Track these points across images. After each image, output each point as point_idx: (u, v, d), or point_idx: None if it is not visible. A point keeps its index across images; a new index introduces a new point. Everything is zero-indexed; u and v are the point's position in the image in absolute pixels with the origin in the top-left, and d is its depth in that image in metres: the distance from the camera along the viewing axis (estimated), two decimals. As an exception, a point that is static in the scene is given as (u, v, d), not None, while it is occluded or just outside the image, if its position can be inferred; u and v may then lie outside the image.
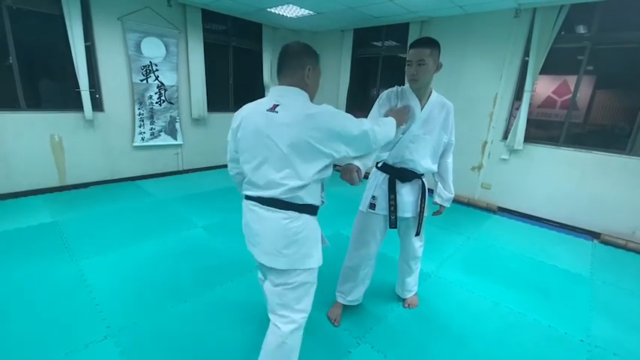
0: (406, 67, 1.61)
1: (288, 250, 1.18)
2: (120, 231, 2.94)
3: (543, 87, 3.85)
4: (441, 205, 1.92)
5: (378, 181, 1.80)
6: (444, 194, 1.89)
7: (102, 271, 2.31)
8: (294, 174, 1.13)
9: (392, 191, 1.75)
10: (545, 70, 3.61)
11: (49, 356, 1.58)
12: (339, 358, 1.69)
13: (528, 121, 3.76)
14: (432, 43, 1.55)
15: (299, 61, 1.20)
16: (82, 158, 3.95)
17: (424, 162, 1.73)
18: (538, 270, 2.74)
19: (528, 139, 3.83)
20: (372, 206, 1.82)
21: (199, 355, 1.64)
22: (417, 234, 1.88)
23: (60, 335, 1.71)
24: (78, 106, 3.77)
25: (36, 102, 3.64)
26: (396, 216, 1.77)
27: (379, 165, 1.80)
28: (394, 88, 1.73)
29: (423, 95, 1.67)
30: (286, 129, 1.10)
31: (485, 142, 4.16)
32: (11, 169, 3.50)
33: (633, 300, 2.39)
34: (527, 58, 3.71)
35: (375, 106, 1.75)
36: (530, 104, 3.72)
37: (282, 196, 1.14)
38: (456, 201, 4.38)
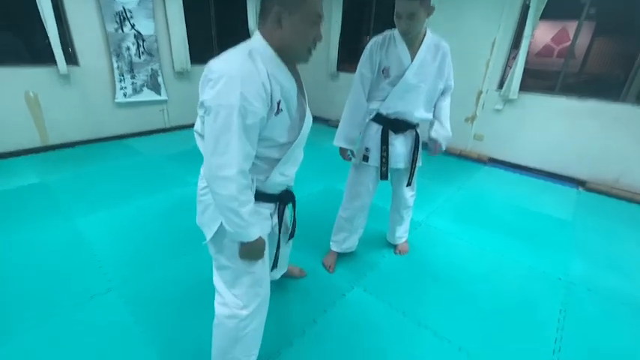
0: (395, 19, 1.49)
1: (198, 207, 1.14)
2: (112, 190, 2.91)
3: (541, 35, 3.70)
4: (436, 142, 1.80)
5: (371, 133, 1.77)
6: (441, 130, 1.80)
7: (98, 228, 2.33)
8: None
9: (384, 142, 1.72)
10: (546, 15, 3.43)
11: (56, 309, 1.64)
12: (334, 301, 1.79)
13: (525, 70, 3.65)
14: None
15: (266, 1, 0.92)
16: (62, 116, 3.77)
17: (418, 112, 1.69)
18: (523, 217, 2.85)
19: (523, 89, 3.75)
20: (365, 158, 1.81)
21: (202, 299, 1.71)
22: (409, 184, 1.90)
23: (64, 290, 1.76)
24: (51, 60, 3.50)
25: (4, 57, 3.36)
26: (387, 168, 1.77)
27: (372, 116, 1.75)
28: (380, 37, 1.61)
29: (414, 41, 1.57)
30: None
31: (480, 92, 4.07)
32: (-12, 130, 3.34)
33: (611, 242, 2.54)
34: (527, 2, 3.49)
35: (359, 63, 1.66)
36: (527, 52, 3.58)
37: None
38: (448, 153, 4.41)
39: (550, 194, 3.36)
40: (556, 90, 3.63)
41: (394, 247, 2.27)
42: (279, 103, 0.96)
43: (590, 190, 3.47)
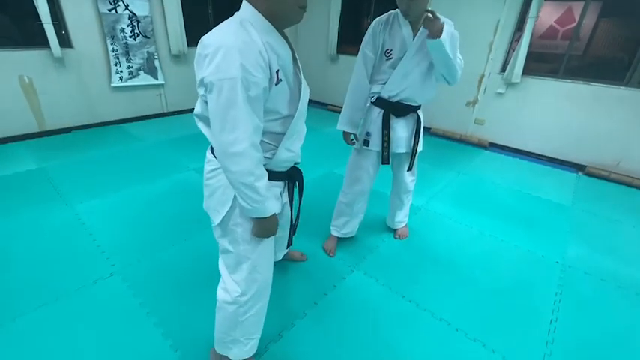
0: (396, 0, 1.44)
1: (204, 191, 1.13)
2: (111, 175, 2.90)
3: (545, 16, 3.60)
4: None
5: (372, 117, 1.75)
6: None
7: (99, 214, 2.33)
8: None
9: (386, 127, 1.71)
10: None
11: (60, 293, 1.66)
12: (335, 284, 1.82)
13: (528, 53, 3.58)
14: None
15: None
16: (58, 101, 3.72)
17: (420, 93, 1.66)
18: (523, 201, 2.87)
19: (526, 72, 3.69)
20: (366, 143, 1.79)
21: (205, 282, 1.74)
22: (410, 169, 1.90)
23: (68, 274, 1.78)
24: (44, 43, 3.42)
25: (-5, 38, 3.28)
26: (389, 152, 1.76)
27: (373, 99, 1.73)
28: (383, 17, 1.58)
29: (417, 23, 1.53)
30: None
31: (482, 76, 4.01)
32: (-16, 115, 3.30)
33: (609, 226, 2.56)
34: (534, -21, 3.39)
35: (362, 43, 1.62)
36: (532, 34, 3.50)
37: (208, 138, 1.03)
38: (448, 137, 4.39)
39: (550, 179, 3.36)
40: (560, 73, 3.57)
41: (394, 231, 2.28)
42: (277, 72, 0.93)
43: (589, 174, 3.48)
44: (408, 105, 1.69)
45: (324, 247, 2.09)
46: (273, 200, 1.02)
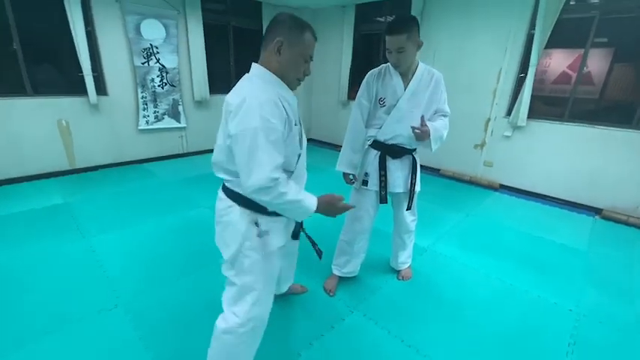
0: (386, 54, 1.61)
1: (216, 227, 1.24)
2: (127, 210, 3.06)
3: (558, 62, 3.73)
4: (423, 124, 1.64)
5: (370, 158, 1.84)
6: (433, 123, 1.70)
7: (111, 247, 2.45)
8: (227, 162, 1.12)
9: (382, 167, 1.79)
10: (555, 43, 3.51)
11: (65, 321, 1.72)
12: (333, 325, 1.79)
13: (539, 98, 3.68)
14: (407, 26, 1.51)
15: (271, 33, 1.06)
16: (89, 142, 4.07)
17: (414, 125, 1.75)
18: (535, 245, 2.78)
19: (535, 115, 3.75)
20: (365, 182, 1.87)
21: (206, 318, 1.75)
22: (408, 208, 1.93)
23: (74, 303, 1.85)
24: (82, 91, 3.84)
25: (41, 87, 3.72)
26: (386, 191, 1.82)
27: (370, 142, 1.83)
28: (377, 70, 1.75)
29: (407, 73, 1.67)
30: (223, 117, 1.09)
31: (488, 119, 4.11)
32: (23, 154, 3.63)
33: (627, 272, 2.43)
34: (533, 31, 3.59)
35: (358, 92, 1.79)
36: (534, 79, 3.63)
37: (226, 183, 1.19)
38: (457, 179, 4.40)
39: (564, 222, 3.26)
40: (565, 117, 3.62)
41: (397, 272, 2.26)
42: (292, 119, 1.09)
43: (606, 218, 3.35)
44: (403, 147, 1.78)
45: (324, 287, 2.08)
46: (308, 196, 1.12)
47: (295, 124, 1.12)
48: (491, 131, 4.12)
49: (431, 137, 1.67)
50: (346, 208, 1.24)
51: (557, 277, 2.33)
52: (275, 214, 1.17)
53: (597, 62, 3.52)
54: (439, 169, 4.57)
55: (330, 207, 1.18)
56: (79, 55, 3.67)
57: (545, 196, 3.85)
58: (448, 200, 3.66)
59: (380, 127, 1.76)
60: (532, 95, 3.67)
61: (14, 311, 1.78)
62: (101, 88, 4.04)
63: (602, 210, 3.44)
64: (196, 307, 1.87)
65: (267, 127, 0.98)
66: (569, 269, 2.44)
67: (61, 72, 3.89)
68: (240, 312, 1.18)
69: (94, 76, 3.83)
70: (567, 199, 3.70)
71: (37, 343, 1.58)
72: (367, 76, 1.75)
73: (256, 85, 1.05)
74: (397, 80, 1.67)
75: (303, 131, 1.23)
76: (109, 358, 1.53)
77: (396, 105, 1.69)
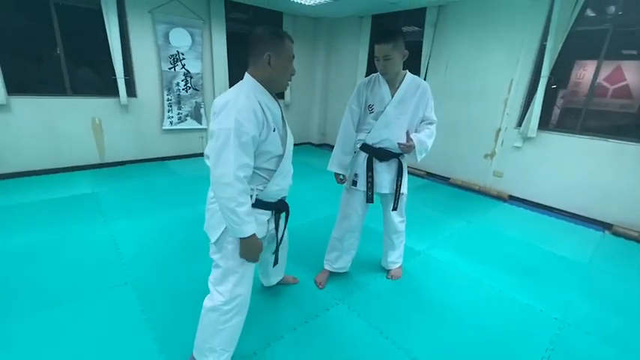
0: (375, 61, 1.75)
1: (206, 214, 1.40)
2: (147, 202, 3.34)
3: (590, 74, 3.54)
4: (409, 139, 1.82)
5: (359, 161, 1.97)
6: (417, 135, 1.85)
7: (128, 233, 2.71)
8: None
9: (369, 169, 1.91)
10: (571, 55, 3.49)
11: (82, 293, 1.96)
12: (318, 313, 1.91)
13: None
14: (393, 37, 1.67)
15: (257, 49, 1.23)
16: (118, 139, 4.45)
17: (400, 141, 1.87)
18: (534, 255, 2.77)
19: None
20: (354, 183, 2.00)
21: (202, 302, 1.93)
22: (394, 209, 2.03)
23: (91, 279, 2.10)
24: (115, 92, 4.23)
25: (79, 88, 4.13)
26: (372, 192, 1.94)
27: (360, 145, 1.96)
28: (367, 78, 1.89)
29: (394, 81, 1.81)
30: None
31: (499, 130, 4.10)
32: (59, 148, 4.04)
33: (626, 287, 2.38)
34: (545, 43, 3.59)
35: (350, 99, 1.93)
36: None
37: None
38: (466, 188, 4.40)
39: (570, 236, 3.21)
40: (577, 129, 3.57)
41: (387, 271, 2.35)
42: (271, 123, 1.26)
43: (616, 234, 3.26)
44: (390, 151, 1.90)
45: (315, 280, 2.21)
46: (252, 224, 1.24)
47: (274, 130, 1.27)
48: (502, 141, 4.11)
49: (415, 149, 1.83)
50: (255, 261, 1.35)
51: (548, 286, 2.33)
52: (258, 206, 1.33)
53: (636, 75, 3.30)
54: (449, 178, 4.58)
55: (250, 249, 1.28)
56: (113, 60, 4.05)
57: (554, 208, 3.78)
58: (453, 208, 3.69)
59: (369, 132, 1.89)
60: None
61: (37, 283, 2.04)
62: (131, 91, 4.42)
63: (612, 225, 3.34)
64: (196, 291, 2.03)
65: (240, 130, 1.13)
66: (563, 280, 2.42)
67: (97, 75, 4.29)
68: (225, 291, 1.34)
69: (125, 80, 4.21)
70: (577, 212, 3.62)
71: (54, 309, 1.83)
72: (359, 83, 1.89)
73: (243, 93, 1.21)
74: (385, 89, 1.80)
75: (289, 135, 1.39)
76: (114, 324, 1.74)
77: (383, 111, 1.82)
